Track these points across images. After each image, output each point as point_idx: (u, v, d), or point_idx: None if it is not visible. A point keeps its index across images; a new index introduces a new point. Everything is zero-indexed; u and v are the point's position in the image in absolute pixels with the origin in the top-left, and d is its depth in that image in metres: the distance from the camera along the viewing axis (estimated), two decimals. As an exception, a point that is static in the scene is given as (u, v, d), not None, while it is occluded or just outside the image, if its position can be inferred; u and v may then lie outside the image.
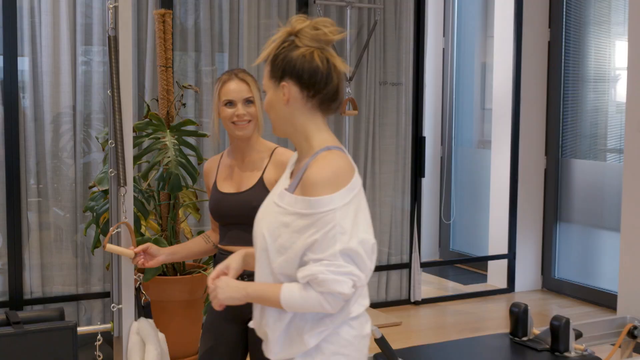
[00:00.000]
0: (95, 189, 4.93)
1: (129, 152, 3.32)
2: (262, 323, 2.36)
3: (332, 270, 2.17)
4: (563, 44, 7.00)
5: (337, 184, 2.21)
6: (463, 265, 8.07)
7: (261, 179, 3.10)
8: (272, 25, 6.02)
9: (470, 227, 8.17)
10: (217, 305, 2.37)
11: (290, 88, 2.31)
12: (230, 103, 3.11)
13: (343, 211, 2.20)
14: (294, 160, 2.45)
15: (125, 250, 3.28)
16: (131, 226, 3.31)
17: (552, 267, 7.17)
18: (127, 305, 3.37)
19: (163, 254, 3.16)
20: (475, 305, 6.80)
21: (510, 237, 7.14)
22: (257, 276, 2.37)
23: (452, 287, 7.48)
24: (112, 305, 3.38)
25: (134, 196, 4.88)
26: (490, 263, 7.40)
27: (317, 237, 2.19)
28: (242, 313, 3.01)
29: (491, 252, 7.40)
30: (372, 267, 2.28)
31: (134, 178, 4.95)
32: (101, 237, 5.16)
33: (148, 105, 5.15)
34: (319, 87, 2.31)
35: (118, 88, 3.29)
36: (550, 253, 7.17)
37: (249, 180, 3.13)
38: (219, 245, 3.21)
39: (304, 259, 2.24)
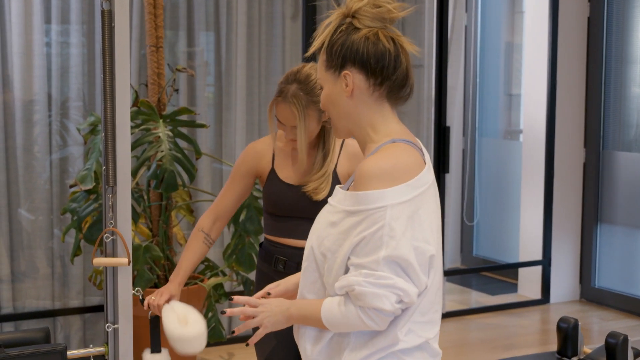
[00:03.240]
0: (76, 188, 4.79)
1: (126, 146, 3.20)
2: (303, 337, 2.31)
3: (370, 281, 2.09)
4: (605, 19, 6.89)
5: (393, 179, 2.13)
6: (490, 273, 7.95)
7: (334, 172, 3.22)
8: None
9: (496, 230, 8.06)
10: (262, 334, 2.31)
11: (354, 77, 2.23)
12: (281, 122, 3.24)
13: (396, 210, 2.11)
14: None
15: (117, 260, 3.20)
16: (121, 234, 3.21)
17: (592, 275, 7.07)
18: (125, 324, 3.24)
19: (176, 291, 3.19)
20: (505, 318, 6.69)
21: (545, 241, 7.03)
22: (300, 290, 2.31)
23: (477, 298, 7.37)
24: (107, 325, 3.25)
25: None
26: (521, 271, 7.29)
27: (362, 236, 2.11)
28: None
29: (522, 258, 7.30)
30: (431, 283, 2.19)
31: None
32: (82, 243, 5.04)
33: (136, 92, 5.02)
34: (388, 73, 2.23)
35: (112, 71, 3.16)
36: (590, 259, 7.07)
37: None
38: (267, 236, 3.31)
39: (347, 263, 2.16)
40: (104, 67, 3.16)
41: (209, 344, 5.51)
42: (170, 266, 5.05)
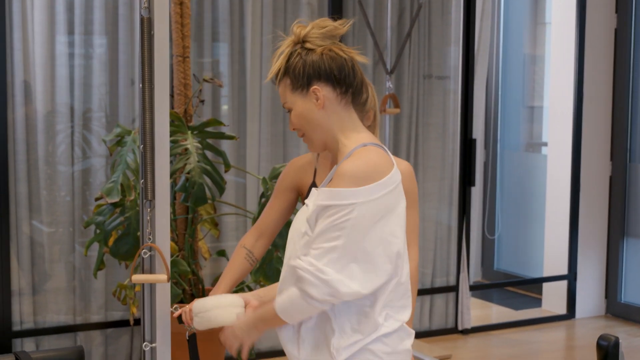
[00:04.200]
0: (102, 200, 4.68)
1: (165, 158, 3.08)
2: (285, 343, 2.50)
3: (310, 271, 2.31)
4: (632, 31, 6.78)
5: (365, 178, 2.33)
6: (512, 287, 7.81)
7: None
8: (301, 7, 5.78)
9: (519, 243, 7.93)
10: (245, 348, 2.60)
11: (322, 90, 2.46)
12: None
13: (365, 207, 2.31)
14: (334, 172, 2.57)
15: (156, 276, 3.08)
16: (160, 249, 3.09)
17: (618, 290, 6.94)
18: (163, 343, 3.12)
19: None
20: (532, 334, 6.56)
21: (571, 255, 6.90)
22: (279, 288, 2.50)
23: (501, 312, 7.23)
24: (145, 344, 3.12)
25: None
26: (546, 285, 7.16)
27: (329, 221, 2.31)
28: None
29: (547, 272, 7.16)
30: (405, 273, 2.44)
31: (149, 188, 4.71)
32: (105, 257, 4.94)
33: (162, 102, 4.90)
34: (350, 80, 2.48)
35: (151, 81, 3.04)
36: (616, 273, 6.94)
37: None
38: None
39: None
40: (143, 76, 3.04)
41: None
42: (197, 281, 4.93)
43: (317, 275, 2.30)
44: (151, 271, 3.14)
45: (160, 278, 3.08)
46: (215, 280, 5.31)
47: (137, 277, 3.07)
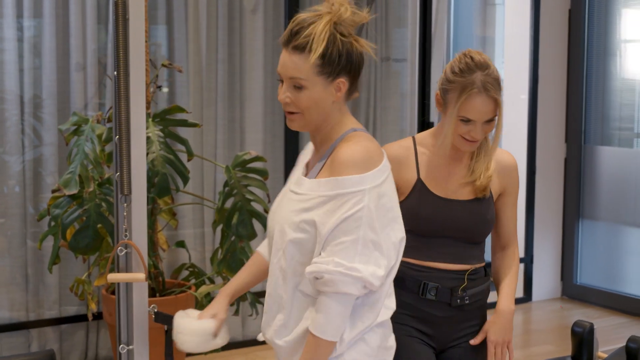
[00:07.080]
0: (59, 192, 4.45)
1: (141, 150, 2.90)
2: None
3: (340, 271, 2.23)
4: (586, 12, 6.76)
5: (367, 165, 2.26)
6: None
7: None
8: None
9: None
10: None
11: (344, 84, 2.35)
12: (469, 121, 2.87)
13: (372, 194, 2.26)
14: (308, 150, 2.54)
15: (133, 275, 2.92)
16: (138, 247, 2.92)
17: (574, 272, 6.93)
18: (140, 345, 2.95)
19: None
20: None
21: (527, 238, 6.85)
22: (270, 281, 2.42)
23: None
24: (121, 346, 2.95)
25: (109, 201, 4.45)
26: (500, 268, 7.11)
27: (343, 217, 2.23)
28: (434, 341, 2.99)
29: (502, 256, 7.12)
30: (398, 262, 2.36)
31: (109, 179, 4.51)
32: (62, 250, 4.74)
33: (118, 89, 4.69)
34: (360, 76, 2.41)
35: (126, 68, 2.86)
36: (572, 255, 6.92)
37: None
38: (415, 261, 2.93)
39: (324, 245, 2.27)
40: (118, 63, 2.85)
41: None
42: (157, 273, 4.75)
43: (350, 274, 2.24)
44: (127, 269, 2.97)
45: (138, 277, 2.91)
46: (174, 272, 5.13)
47: (113, 277, 2.90)
